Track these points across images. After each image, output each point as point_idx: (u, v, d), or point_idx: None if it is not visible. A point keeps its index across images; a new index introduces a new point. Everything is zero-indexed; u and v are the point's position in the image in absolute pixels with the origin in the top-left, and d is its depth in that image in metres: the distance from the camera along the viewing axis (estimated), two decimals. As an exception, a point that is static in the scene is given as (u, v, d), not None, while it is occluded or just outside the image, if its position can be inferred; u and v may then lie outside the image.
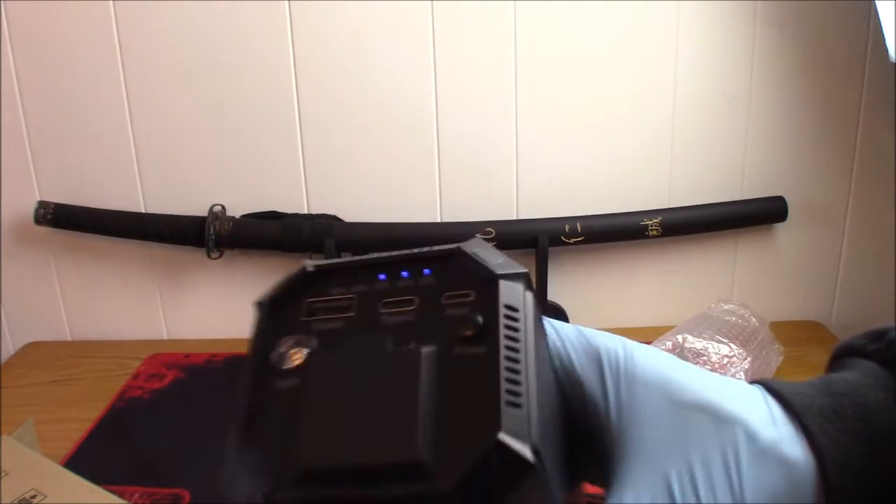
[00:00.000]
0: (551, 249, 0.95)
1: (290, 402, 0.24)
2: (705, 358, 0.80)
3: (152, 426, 0.84)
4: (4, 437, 0.64)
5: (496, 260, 0.26)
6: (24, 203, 0.98)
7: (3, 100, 0.95)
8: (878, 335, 0.30)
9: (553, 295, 1.00)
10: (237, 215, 0.97)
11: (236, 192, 0.98)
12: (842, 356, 0.31)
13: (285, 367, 0.25)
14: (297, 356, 0.25)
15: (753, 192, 0.99)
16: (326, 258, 0.81)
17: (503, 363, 0.23)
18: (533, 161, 0.97)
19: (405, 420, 0.23)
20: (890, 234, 0.97)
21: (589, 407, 0.28)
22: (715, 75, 0.95)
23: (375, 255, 0.28)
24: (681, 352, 0.80)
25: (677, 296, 1.03)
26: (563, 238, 0.95)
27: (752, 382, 0.29)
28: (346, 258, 0.28)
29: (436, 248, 0.27)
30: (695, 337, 0.82)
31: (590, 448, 0.28)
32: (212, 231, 0.94)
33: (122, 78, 0.95)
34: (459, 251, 0.26)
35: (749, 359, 0.81)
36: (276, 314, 0.27)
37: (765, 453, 0.25)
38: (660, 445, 0.26)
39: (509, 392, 0.23)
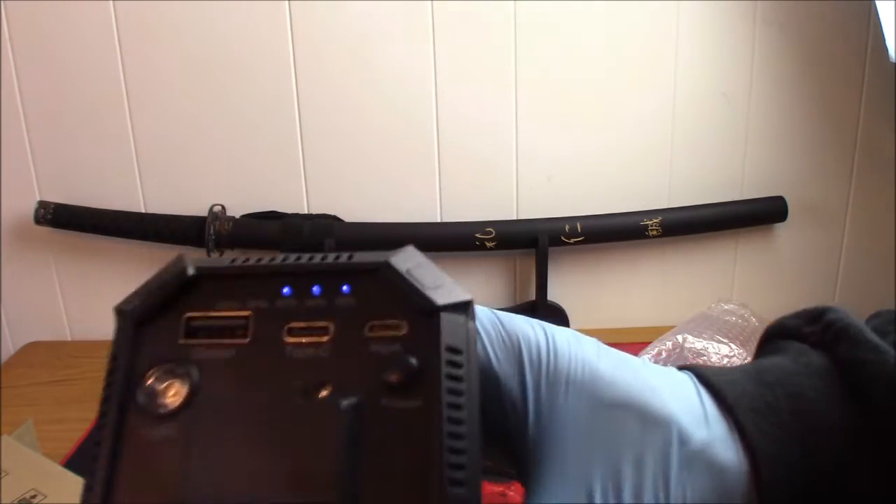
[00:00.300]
0: (551, 249, 0.95)
1: (162, 461, 0.18)
2: (705, 358, 0.79)
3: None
4: (4, 437, 0.64)
5: (434, 281, 0.20)
6: (24, 203, 0.98)
7: (3, 100, 0.95)
8: (814, 316, 0.28)
9: (553, 295, 1.00)
10: (237, 215, 0.97)
11: (236, 192, 0.98)
12: (774, 337, 0.29)
13: (158, 411, 0.19)
14: (174, 394, 0.19)
15: (753, 192, 0.98)
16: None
17: (445, 426, 0.18)
18: (533, 159, 0.97)
19: (319, 499, 0.18)
20: (890, 234, 0.97)
21: (506, 404, 0.24)
22: (715, 75, 0.95)
23: (279, 258, 0.22)
24: (681, 352, 0.80)
25: (677, 296, 1.03)
26: (563, 238, 0.94)
27: (681, 368, 0.27)
28: (240, 259, 0.22)
29: (356, 257, 0.21)
30: (695, 337, 0.82)
31: (506, 450, 0.25)
32: (212, 231, 0.94)
33: (122, 78, 0.95)
34: (388, 266, 0.20)
35: (749, 359, 0.81)
36: (143, 331, 0.21)
37: (696, 457, 0.24)
38: (583, 449, 0.23)
39: (452, 466, 0.18)
